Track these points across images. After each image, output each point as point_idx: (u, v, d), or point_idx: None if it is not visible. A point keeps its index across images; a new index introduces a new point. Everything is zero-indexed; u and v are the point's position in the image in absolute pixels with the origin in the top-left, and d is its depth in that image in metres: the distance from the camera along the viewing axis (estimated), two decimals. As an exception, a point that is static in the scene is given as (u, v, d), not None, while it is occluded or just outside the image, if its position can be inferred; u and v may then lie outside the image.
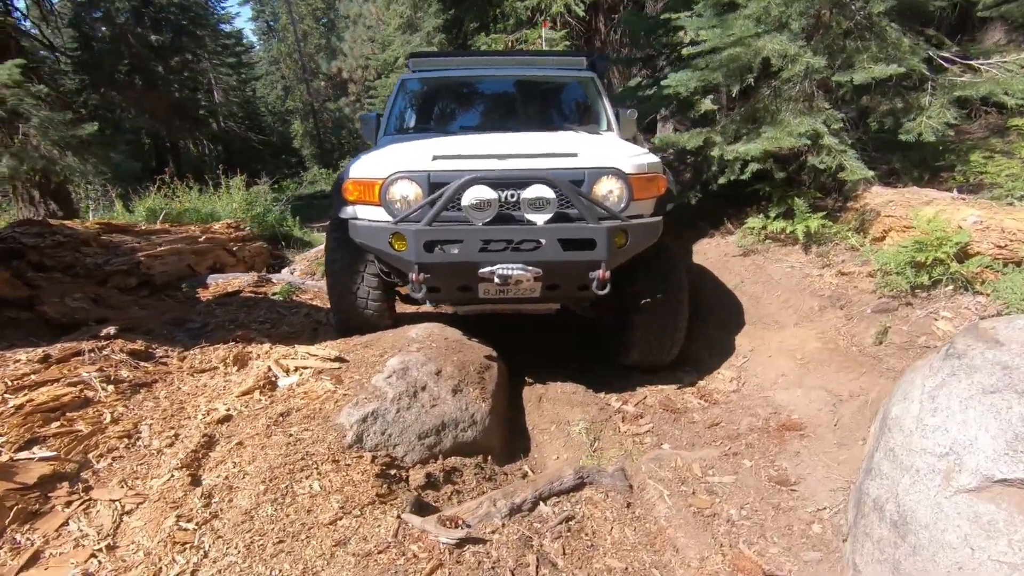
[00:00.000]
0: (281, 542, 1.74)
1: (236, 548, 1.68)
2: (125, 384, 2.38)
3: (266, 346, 3.04)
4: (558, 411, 3.40)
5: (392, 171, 3.02)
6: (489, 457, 2.89)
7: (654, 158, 3.33)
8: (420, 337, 3.39)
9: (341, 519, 1.89)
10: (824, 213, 4.73)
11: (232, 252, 6.91)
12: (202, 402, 2.40)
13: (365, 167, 3.15)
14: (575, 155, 3.10)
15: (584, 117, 4.52)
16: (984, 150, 4.75)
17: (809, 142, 4.27)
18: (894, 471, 1.99)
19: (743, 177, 4.83)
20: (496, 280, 2.92)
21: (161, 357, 2.72)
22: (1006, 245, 3.35)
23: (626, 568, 2.02)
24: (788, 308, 4.13)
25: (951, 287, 3.48)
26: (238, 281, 5.17)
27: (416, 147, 3.28)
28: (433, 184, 2.96)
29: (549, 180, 2.86)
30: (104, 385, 2.33)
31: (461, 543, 1.87)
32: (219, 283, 5.12)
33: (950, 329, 3.24)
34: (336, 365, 2.87)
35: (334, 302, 3.45)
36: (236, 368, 2.78)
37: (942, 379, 2.05)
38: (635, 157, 3.17)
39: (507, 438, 3.19)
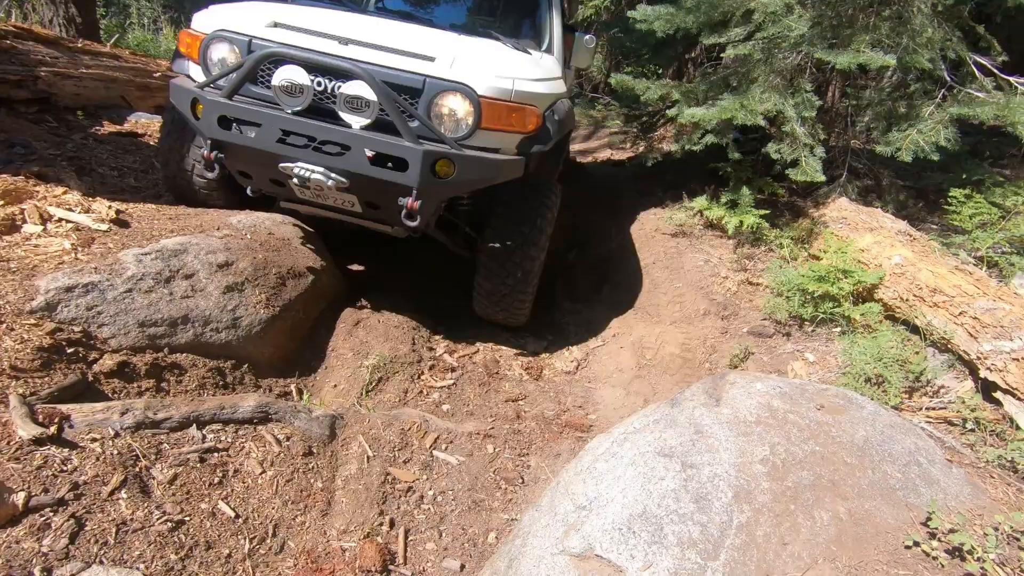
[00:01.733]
0: None
1: None
2: None
3: (61, 189, 2.86)
4: (368, 340, 3.16)
5: (216, 28, 2.66)
6: (247, 366, 2.70)
7: (537, 87, 2.84)
8: (240, 225, 3.15)
9: (-66, 380, 1.74)
10: (770, 211, 4.15)
11: (198, 99, 6.66)
12: None
13: (202, 19, 2.79)
14: (432, 59, 2.64)
15: (528, 30, 3.94)
16: (986, 187, 3.99)
17: (766, 124, 3.63)
18: (546, 507, 1.70)
19: (695, 148, 4.23)
20: (294, 180, 2.61)
21: (-80, 170, 2.58)
22: (908, 299, 2.81)
23: (237, 516, 1.84)
24: (676, 304, 3.69)
25: (838, 329, 2.98)
26: (156, 125, 4.97)
27: (266, 8, 2.87)
28: (252, 52, 2.59)
29: (364, 77, 2.44)
30: None
31: (39, 441, 1.70)
32: (137, 122, 4.93)
33: (803, 374, 2.80)
34: (106, 228, 2.66)
35: (161, 164, 3.21)
36: (2, 202, 2.61)
37: (644, 424, 1.70)
38: (502, 79, 2.67)
39: (294, 353, 2.99)
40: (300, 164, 2.56)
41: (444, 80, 2.57)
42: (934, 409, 2.29)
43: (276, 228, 3.27)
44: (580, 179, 6.46)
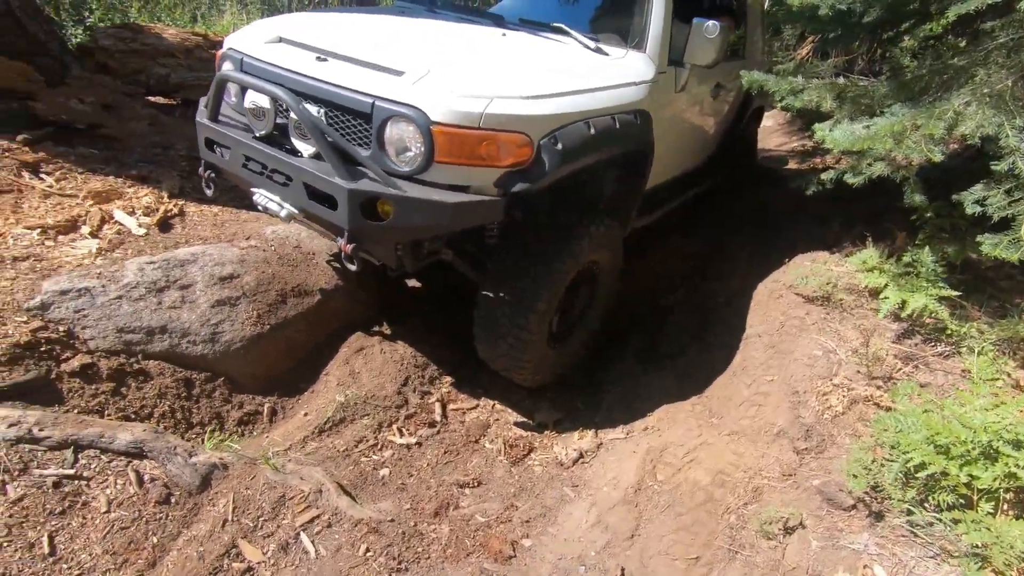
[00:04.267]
0: None
1: None
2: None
3: (148, 191, 3.30)
4: (360, 371, 3.00)
5: (227, 46, 2.70)
6: (222, 380, 2.79)
7: (527, 108, 2.21)
8: (272, 236, 3.26)
9: None
10: (973, 289, 2.65)
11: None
12: (13, 218, 2.82)
13: (231, 36, 2.86)
14: (400, 74, 2.24)
15: (620, 22, 3.12)
16: None
17: (943, 156, 2.23)
18: None
19: (851, 181, 2.91)
20: (259, 208, 2.52)
21: (48, 172, 3.21)
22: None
23: (51, 553, 1.83)
24: (754, 406, 2.62)
25: (965, 538, 1.70)
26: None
27: (293, 22, 2.80)
28: (244, 71, 2.55)
29: (282, 98, 2.17)
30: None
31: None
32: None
33: (848, 602, 1.68)
34: (144, 232, 2.99)
35: None
36: (93, 203, 3.13)
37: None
38: (469, 99, 2.11)
39: (286, 372, 2.99)
40: (260, 192, 2.46)
41: (393, 102, 2.14)
42: None
43: (308, 241, 3.29)
44: (760, 191, 5.13)
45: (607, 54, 2.89)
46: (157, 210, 3.17)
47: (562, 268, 2.55)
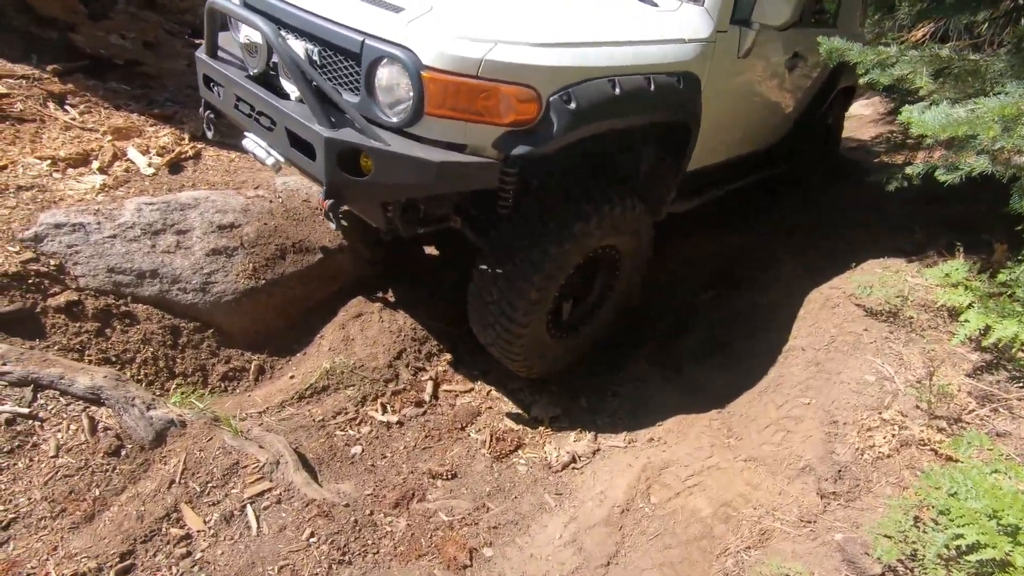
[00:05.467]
0: None
1: None
2: (-3, 112, 2.95)
3: (168, 130, 3.21)
4: (354, 338, 2.83)
5: (234, -23, 2.50)
6: (211, 331, 2.69)
7: (534, 57, 1.88)
8: (282, 187, 3.11)
9: None
10: None
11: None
12: (29, 147, 2.80)
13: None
14: (399, 10, 1.97)
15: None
16: None
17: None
18: None
19: (943, 178, 2.41)
20: (249, 154, 2.35)
21: (74, 104, 3.18)
22: None
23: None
24: (781, 431, 2.24)
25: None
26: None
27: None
28: (246, 4, 2.35)
29: (261, 30, 1.93)
30: (-31, 105, 2.93)
31: None
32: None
33: None
34: (152, 172, 2.90)
35: None
36: (112, 137, 3.07)
37: None
38: (467, 42, 1.81)
39: (280, 330, 2.86)
40: (250, 136, 2.28)
41: (383, 41, 1.88)
42: None
43: (319, 196, 3.12)
44: (837, 184, 4.52)
45: (656, 4, 2.49)
46: (173, 151, 3.09)
47: (561, 252, 2.23)
